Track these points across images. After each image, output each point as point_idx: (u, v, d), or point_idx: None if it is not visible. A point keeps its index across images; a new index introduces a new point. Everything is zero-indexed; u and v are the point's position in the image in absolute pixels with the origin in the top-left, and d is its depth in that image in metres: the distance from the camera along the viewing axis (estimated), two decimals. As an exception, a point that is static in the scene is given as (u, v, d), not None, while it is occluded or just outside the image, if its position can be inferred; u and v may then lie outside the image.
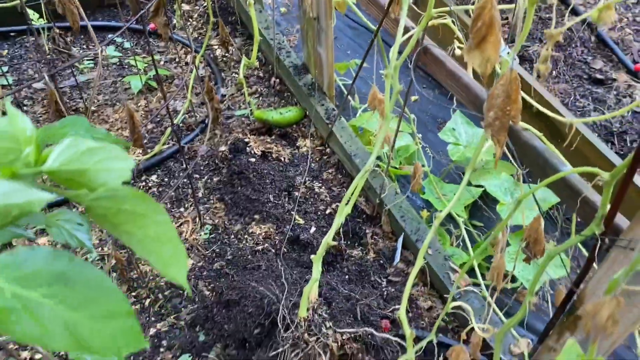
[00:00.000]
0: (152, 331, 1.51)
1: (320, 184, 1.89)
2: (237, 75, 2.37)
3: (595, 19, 0.87)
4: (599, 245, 0.90)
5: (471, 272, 1.65)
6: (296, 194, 1.84)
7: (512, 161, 1.70)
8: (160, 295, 1.60)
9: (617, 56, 2.41)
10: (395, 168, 1.86)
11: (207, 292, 1.59)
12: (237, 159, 1.88)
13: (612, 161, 1.49)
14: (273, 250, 1.67)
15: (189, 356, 1.46)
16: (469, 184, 2.04)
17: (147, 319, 1.54)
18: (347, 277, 1.60)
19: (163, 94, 1.32)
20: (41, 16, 2.29)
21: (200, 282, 1.61)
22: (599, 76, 2.33)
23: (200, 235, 1.74)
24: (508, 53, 1.10)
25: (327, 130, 1.95)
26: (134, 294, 1.60)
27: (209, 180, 1.93)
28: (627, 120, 2.13)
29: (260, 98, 2.26)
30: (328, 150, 2.01)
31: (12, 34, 2.53)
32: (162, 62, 2.45)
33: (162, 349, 1.47)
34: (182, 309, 1.57)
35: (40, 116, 2.16)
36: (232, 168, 1.87)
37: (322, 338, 1.31)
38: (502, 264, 1.10)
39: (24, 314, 0.32)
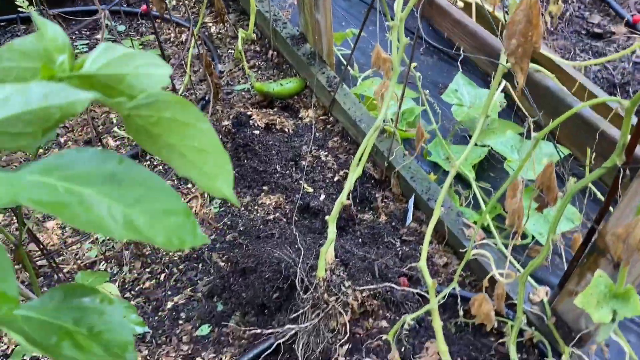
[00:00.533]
0: (169, 305, 1.50)
1: (326, 153, 1.88)
2: (233, 52, 2.34)
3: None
4: (621, 175, 0.89)
5: (484, 230, 1.65)
6: (303, 163, 1.82)
7: (523, 113, 1.68)
8: (175, 270, 1.59)
9: (614, 9, 2.39)
10: (402, 131, 1.85)
11: (222, 263, 1.58)
12: (241, 132, 1.87)
13: (618, 100, 1.48)
14: (284, 219, 1.67)
15: (209, 326, 1.45)
16: (475, 144, 2.04)
17: (164, 293, 1.53)
18: (360, 240, 1.59)
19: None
20: (31, 3, 2.25)
21: (214, 254, 1.61)
22: (597, 30, 2.32)
23: (210, 209, 1.73)
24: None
25: (330, 99, 1.93)
26: (148, 269, 1.59)
27: (214, 156, 1.91)
28: (628, 72, 2.12)
29: (259, 72, 2.23)
30: (331, 119, 2.00)
31: (2, 23, 2.49)
32: (156, 42, 2.42)
33: (180, 321, 1.47)
34: (198, 281, 1.56)
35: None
36: (236, 141, 1.85)
37: (342, 297, 1.31)
38: (521, 207, 1.10)
39: (79, 207, 0.31)
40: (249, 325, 1.43)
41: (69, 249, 1.61)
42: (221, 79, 2.22)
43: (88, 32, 2.50)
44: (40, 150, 1.93)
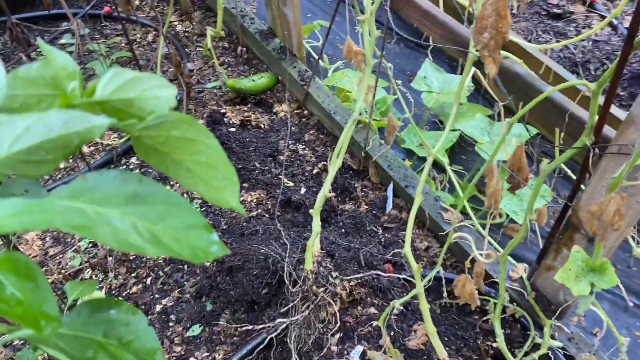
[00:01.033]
0: (158, 308, 1.51)
1: (303, 146, 1.90)
2: (201, 50, 2.33)
3: None
4: (591, 154, 0.94)
5: (461, 212, 1.71)
6: (281, 158, 1.84)
7: (491, 96, 1.73)
8: (160, 273, 1.60)
9: (571, -10, 2.47)
10: (376, 120, 1.88)
11: (208, 263, 1.60)
12: (217, 131, 1.87)
13: (586, 84, 1.55)
14: (267, 215, 1.69)
15: (200, 326, 1.47)
16: (445, 128, 2.09)
17: (152, 296, 1.54)
18: (343, 230, 1.63)
19: (139, 69, 1.30)
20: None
21: (199, 254, 1.62)
22: (556, 11, 2.39)
23: (191, 209, 1.74)
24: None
25: (303, 92, 1.95)
26: (133, 274, 1.59)
27: (191, 156, 1.91)
28: (589, 50, 2.20)
29: (229, 68, 2.23)
30: (306, 112, 2.02)
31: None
32: (123, 44, 2.39)
33: (171, 323, 1.48)
34: (185, 282, 1.57)
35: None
36: (213, 140, 1.85)
37: (330, 287, 1.34)
38: (499, 190, 1.14)
39: (109, 228, 0.33)
40: (240, 322, 1.45)
41: (53, 259, 1.60)
42: (191, 77, 2.21)
43: (51, 37, 2.45)
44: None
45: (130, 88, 0.40)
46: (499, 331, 1.25)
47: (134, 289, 1.56)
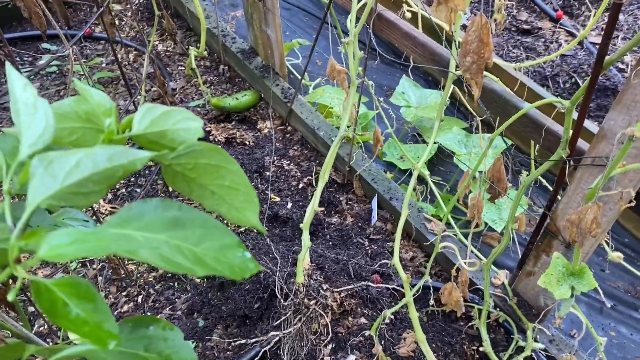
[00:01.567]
0: (150, 325, 1.53)
1: (288, 161, 1.94)
2: (183, 69, 2.36)
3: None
4: (567, 166, 1.01)
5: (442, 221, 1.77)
6: (267, 173, 1.88)
7: (466, 110, 1.80)
8: (151, 290, 1.61)
9: (539, 6, 2.58)
10: (359, 135, 1.93)
11: (198, 280, 1.62)
12: (203, 149, 1.90)
13: (561, 101, 1.63)
14: (255, 230, 1.72)
15: (193, 342, 1.49)
16: (424, 142, 2.16)
17: (143, 314, 1.55)
18: (331, 243, 1.67)
19: (129, 90, 1.33)
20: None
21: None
22: (525, 27, 2.50)
23: (179, 227, 1.76)
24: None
25: (286, 109, 1.99)
26: (124, 293, 1.60)
27: (176, 174, 1.94)
28: (557, 64, 2.31)
29: (212, 87, 2.27)
30: (289, 128, 2.06)
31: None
32: (104, 64, 2.41)
33: (164, 341, 1.50)
34: (176, 299, 1.59)
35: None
36: (199, 158, 1.88)
37: (322, 299, 1.38)
38: (480, 201, 1.20)
39: (157, 252, 0.37)
40: (233, 337, 1.47)
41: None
42: (175, 96, 2.24)
43: (30, 59, 2.45)
44: None
45: (162, 122, 0.44)
46: (485, 336, 1.30)
47: (125, 307, 1.57)
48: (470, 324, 1.47)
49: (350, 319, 1.43)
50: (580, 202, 1.00)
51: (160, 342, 0.43)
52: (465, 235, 1.66)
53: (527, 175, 1.09)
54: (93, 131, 0.47)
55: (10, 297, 0.34)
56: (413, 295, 1.29)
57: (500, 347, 1.44)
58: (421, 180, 1.92)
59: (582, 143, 1.29)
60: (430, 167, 2.08)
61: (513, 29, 2.52)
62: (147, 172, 1.95)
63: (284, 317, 1.39)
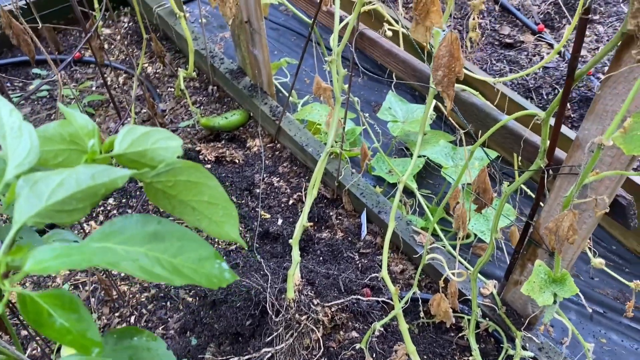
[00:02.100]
0: (143, 345, 1.53)
1: (278, 178, 1.97)
2: (172, 90, 2.40)
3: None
4: (546, 175, 1.04)
5: (431, 234, 1.79)
6: (257, 191, 1.90)
7: (452, 123, 1.83)
8: (144, 310, 1.62)
9: (520, 20, 2.64)
10: (347, 150, 1.96)
11: (190, 299, 1.63)
12: (193, 168, 1.92)
13: (537, 113, 1.67)
14: (246, 248, 1.73)
15: (186, 361, 1.49)
16: (412, 155, 2.19)
17: (136, 335, 1.56)
18: (321, 258, 1.68)
19: (118, 113, 1.35)
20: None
21: (181, 290, 1.65)
22: (508, 40, 2.55)
23: (171, 246, 1.77)
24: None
25: (275, 127, 2.02)
26: (117, 314, 1.61)
27: (167, 194, 1.95)
28: (540, 76, 2.36)
29: (202, 107, 2.30)
30: (278, 145, 2.09)
31: None
32: (94, 88, 2.43)
33: (157, 360, 1.50)
34: (169, 319, 1.60)
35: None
36: (189, 177, 1.90)
37: (313, 314, 1.39)
38: (464, 212, 1.23)
39: (137, 264, 0.39)
40: (226, 355, 1.48)
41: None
42: (164, 117, 2.26)
43: (21, 84, 2.47)
44: None
45: (142, 142, 0.46)
46: (474, 345, 1.32)
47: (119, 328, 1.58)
48: (460, 334, 1.49)
49: (341, 333, 1.44)
50: (560, 210, 1.02)
51: (144, 352, 0.45)
52: (454, 247, 1.68)
53: (508, 185, 1.11)
54: (77, 152, 0.49)
55: (-3, 310, 0.36)
56: (403, 307, 1.30)
57: (490, 357, 1.46)
58: (411, 193, 1.94)
59: (562, 153, 1.32)
60: (419, 180, 2.11)
61: (496, 42, 2.57)
62: (138, 192, 1.97)
63: (275, 333, 1.40)
